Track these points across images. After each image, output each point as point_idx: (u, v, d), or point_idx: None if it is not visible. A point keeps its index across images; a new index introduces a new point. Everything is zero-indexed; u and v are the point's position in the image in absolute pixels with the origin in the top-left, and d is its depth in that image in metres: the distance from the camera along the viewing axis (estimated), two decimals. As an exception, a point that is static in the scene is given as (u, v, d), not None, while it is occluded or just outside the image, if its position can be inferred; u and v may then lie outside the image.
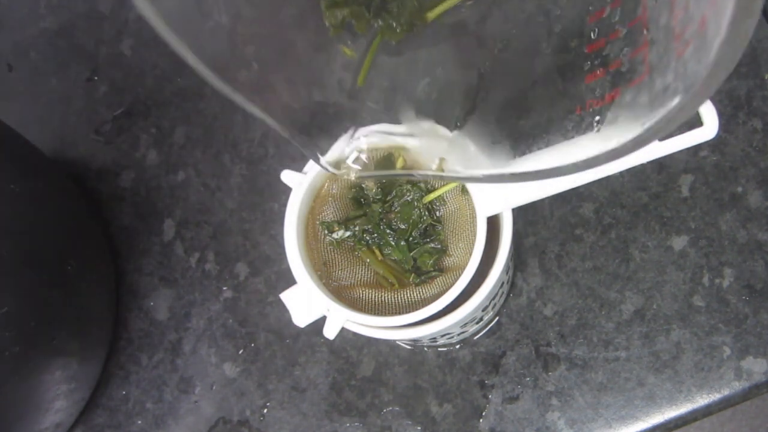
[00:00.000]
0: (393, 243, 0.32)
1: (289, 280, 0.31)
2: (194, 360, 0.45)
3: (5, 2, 0.53)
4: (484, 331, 0.42)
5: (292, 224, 0.31)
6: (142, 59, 0.50)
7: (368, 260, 0.32)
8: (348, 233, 0.32)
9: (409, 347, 0.42)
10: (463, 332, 0.38)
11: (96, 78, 0.51)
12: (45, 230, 0.39)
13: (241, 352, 0.44)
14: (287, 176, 0.32)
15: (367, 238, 0.32)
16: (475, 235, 0.30)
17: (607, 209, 0.42)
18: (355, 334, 0.39)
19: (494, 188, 0.30)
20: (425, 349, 0.42)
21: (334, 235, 0.33)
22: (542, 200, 0.43)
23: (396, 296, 0.32)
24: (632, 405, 0.40)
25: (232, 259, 0.46)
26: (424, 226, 0.32)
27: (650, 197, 0.42)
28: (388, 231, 0.32)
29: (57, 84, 0.51)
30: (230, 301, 0.45)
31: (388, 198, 0.32)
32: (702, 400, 0.39)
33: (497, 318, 0.42)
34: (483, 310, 0.35)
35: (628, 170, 0.42)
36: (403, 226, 0.32)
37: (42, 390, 0.37)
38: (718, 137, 0.42)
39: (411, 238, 0.32)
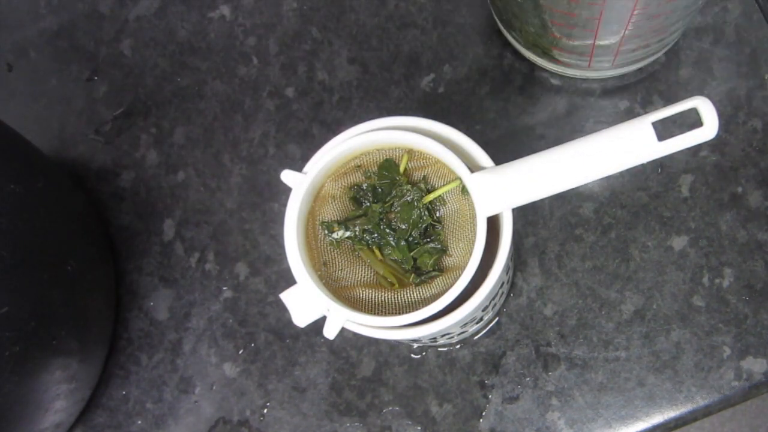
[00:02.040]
0: (393, 243, 0.32)
1: (289, 280, 0.31)
2: (194, 360, 0.45)
3: (5, 2, 0.53)
4: (484, 331, 0.42)
5: (292, 224, 0.31)
6: (142, 59, 0.50)
7: (368, 260, 0.32)
8: (348, 233, 0.32)
9: (415, 346, 0.42)
10: (463, 332, 0.38)
11: (96, 78, 0.51)
12: (45, 230, 0.39)
13: (241, 352, 0.44)
14: (287, 176, 0.32)
15: (367, 238, 0.32)
16: (475, 235, 0.30)
17: (607, 209, 0.42)
18: (355, 334, 0.39)
19: (494, 188, 0.30)
20: (423, 352, 0.42)
21: (334, 235, 0.32)
22: (542, 200, 0.43)
23: (396, 296, 0.32)
24: (632, 405, 0.40)
25: (232, 259, 0.46)
26: (424, 226, 0.32)
27: (650, 197, 0.42)
28: (388, 231, 0.32)
29: (57, 84, 0.51)
30: (230, 301, 0.45)
31: (388, 198, 0.32)
32: (702, 400, 0.39)
33: (497, 318, 0.42)
34: (483, 310, 0.35)
35: (628, 170, 0.42)
36: (403, 226, 0.32)
37: (42, 390, 0.37)
38: (718, 137, 0.42)
39: (411, 238, 0.32)
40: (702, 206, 0.42)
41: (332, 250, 0.33)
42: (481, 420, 0.41)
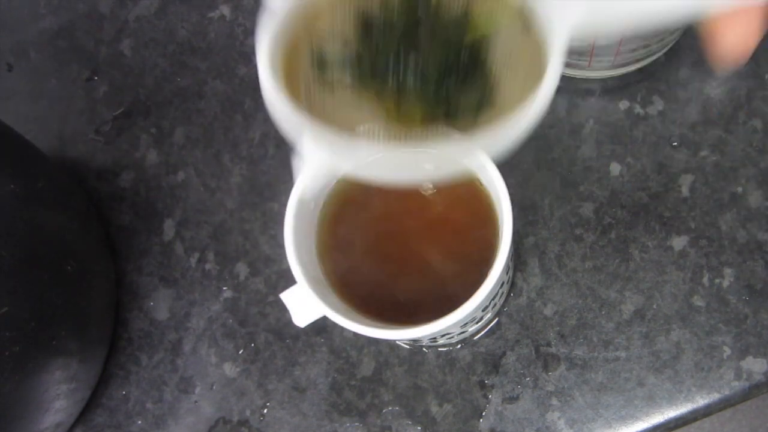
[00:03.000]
0: (414, 78, 0.22)
1: (289, 280, 0.31)
2: (194, 360, 0.45)
3: (5, 2, 0.53)
4: (484, 331, 0.42)
5: (266, 45, 0.22)
6: (142, 59, 0.50)
7: (371, 108, 0.22)
8: (348, 58, 0.23)
9: (408, 347, 0.42)
10: (463, 332, 0.38)
11: (96, 78, 0.51)
12: (45, 230, 0.39)
13: (241, 352, 0.44)
14: None
15: (378, 67, 0.22)
16: (539, 81, 0.22)
17: (607, 209, 0.42)
18: (355, 334, 0.39)
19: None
20: (424, 350, 0.42)
21: (327, 56, 0.23)
22: (542, 200, 0.43)
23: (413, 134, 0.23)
24: (632, 405, 0.40)
25: (232, 259, 0.46)
26: (464, 74, 0.23)
27: (650, 197, 0.42)
28: (410, 57, 0.22)
29: (57, 84, 0.51)
30: (230, 301, 0.45)
31: (412, 35, 0.23)
32: (702, 400, 0.39)
33: (497, 318, 0.42)
34: (483, 310, 0.35)
35: (628, 170, 0.42)
36: (433, 73, 0.23)
37: (42, 390, 0.37)
38: (717, 137, 0.42)
39: (445, 84, 0.23)
40: (702, 206, 0.42)
41: (323, 89, 0.23)
42: (481, 420, 0.41)
